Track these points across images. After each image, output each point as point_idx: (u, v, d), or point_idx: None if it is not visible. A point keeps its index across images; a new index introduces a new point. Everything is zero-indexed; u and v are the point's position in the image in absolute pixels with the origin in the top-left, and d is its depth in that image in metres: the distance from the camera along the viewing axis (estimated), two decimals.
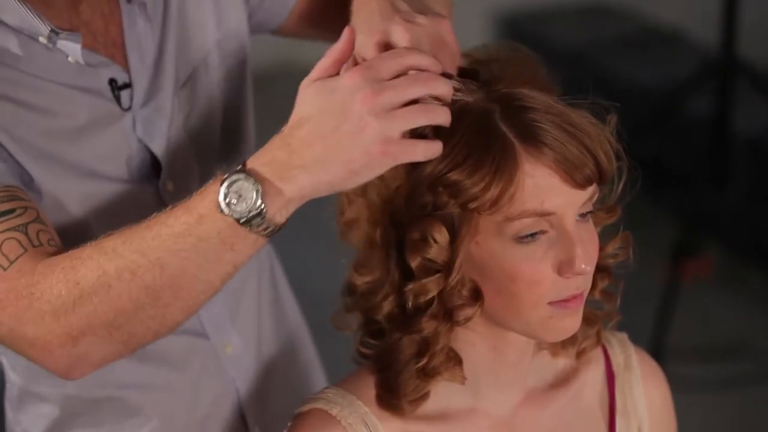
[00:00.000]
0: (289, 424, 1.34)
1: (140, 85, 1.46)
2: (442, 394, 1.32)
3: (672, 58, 4.21)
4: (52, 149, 1.39)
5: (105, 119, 1.44)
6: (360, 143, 1.20)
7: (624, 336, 1.44)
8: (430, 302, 1.27)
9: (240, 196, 1.22)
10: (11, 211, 1.31)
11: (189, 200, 1.26)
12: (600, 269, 1.32)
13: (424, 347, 1.28)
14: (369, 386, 1.32)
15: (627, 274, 1.37)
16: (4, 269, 1.29)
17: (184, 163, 1.49)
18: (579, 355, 1.39)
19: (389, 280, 1.29)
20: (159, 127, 1.47)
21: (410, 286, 1.26)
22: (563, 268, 1.24)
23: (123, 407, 1.52)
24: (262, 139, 1.74)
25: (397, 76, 1.22)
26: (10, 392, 1.56)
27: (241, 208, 1.22)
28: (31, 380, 1.52)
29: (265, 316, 1.63)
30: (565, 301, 1.26)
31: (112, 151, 1.44)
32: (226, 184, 1.23)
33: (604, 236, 1.33)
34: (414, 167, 1.24)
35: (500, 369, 1.33)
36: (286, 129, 1.24)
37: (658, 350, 3.14)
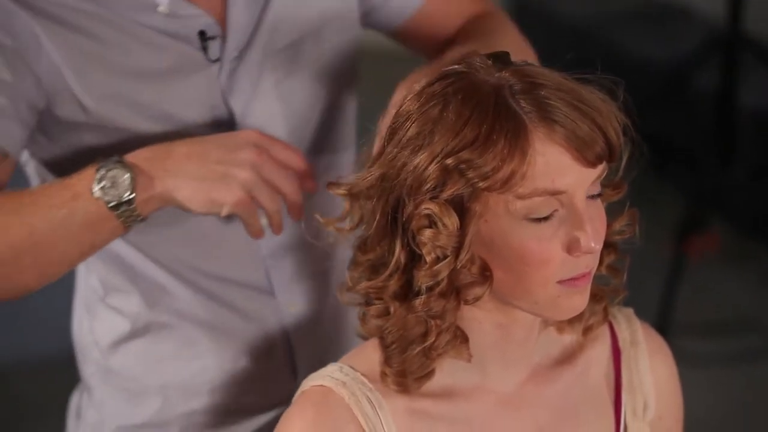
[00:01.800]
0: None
1: (234, 38, 1.47)
2: (447, 371, 1.31)
3: (678, 33, 4.19)
4: (123, 89, 1.43)
5: (189, 66, 1.46)
6: (230, 181, 1.38)
7: (630, 311, 1.43)
8: (439, 282, 1.26)
9: (114, 182, 1.37)
10: None
11: (69, 178, 1.39)
12: (606, 245, 1.31)
13: (431, 325, 1.27)
14: (374, 363, 1.32)
15: (633, 250, 1.36)
16: None
17: (264, 125, 1.50)
18: (585, 331, 1.38)
19: (395, 260, 1.28)
20: (242, 83, 1.49)
21: (420, 271, 1.25)
22: (573, 246, 1.23)
23: (183, 337, 1.57)
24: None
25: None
26: (89, 299, 1.62)
27: (113, 193, 1.37)
28: (109, 290, 1.58)
29: (332, 280, 1.63)
30: (574, 279, 1.25)
31: (193, 98, 1.47)
32: (102, 170, 1.37)
33: (610, 212, 1.32)
34: (420, 148, 1.23)
35: (507, 347, 1.32)
36: (176, 142, 1.39)
37: (664, 326, 3.14)
